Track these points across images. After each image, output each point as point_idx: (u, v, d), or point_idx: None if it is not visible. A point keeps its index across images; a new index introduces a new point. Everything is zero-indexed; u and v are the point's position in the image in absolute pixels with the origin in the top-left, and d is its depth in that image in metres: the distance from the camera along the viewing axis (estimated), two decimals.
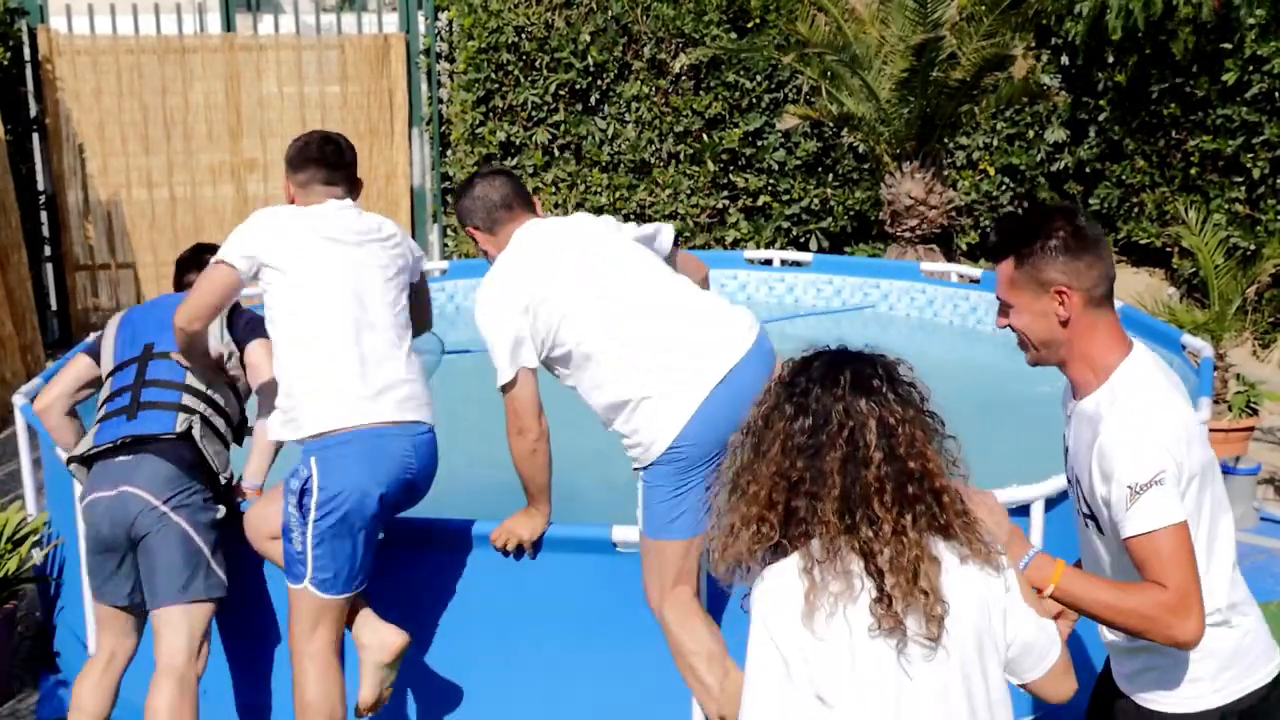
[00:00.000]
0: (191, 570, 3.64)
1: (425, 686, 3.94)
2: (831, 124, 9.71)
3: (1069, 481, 2.65)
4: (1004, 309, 2.57)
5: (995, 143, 10.40)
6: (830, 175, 10.45)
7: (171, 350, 3.86)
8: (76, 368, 4.15)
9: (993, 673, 2.15)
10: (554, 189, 10.07)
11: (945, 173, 9.57)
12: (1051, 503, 3.94)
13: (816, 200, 10.33)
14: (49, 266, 9.93)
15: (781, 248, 10.16)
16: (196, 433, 3.77)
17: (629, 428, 3.40)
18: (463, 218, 3.74)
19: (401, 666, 3.63)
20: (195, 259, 4.15)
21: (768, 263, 8.19)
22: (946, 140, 9.49)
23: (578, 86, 9.99)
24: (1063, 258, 2.46)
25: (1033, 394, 6.05)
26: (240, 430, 4.10)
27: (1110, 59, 9.72)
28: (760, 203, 10.30)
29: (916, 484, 2.12)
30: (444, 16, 10.48)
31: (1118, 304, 5.72)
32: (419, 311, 3.89)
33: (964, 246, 10.54)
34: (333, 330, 3.51)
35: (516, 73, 9.91)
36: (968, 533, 2.15)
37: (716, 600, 3.60)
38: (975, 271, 7.60)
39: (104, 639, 3.79)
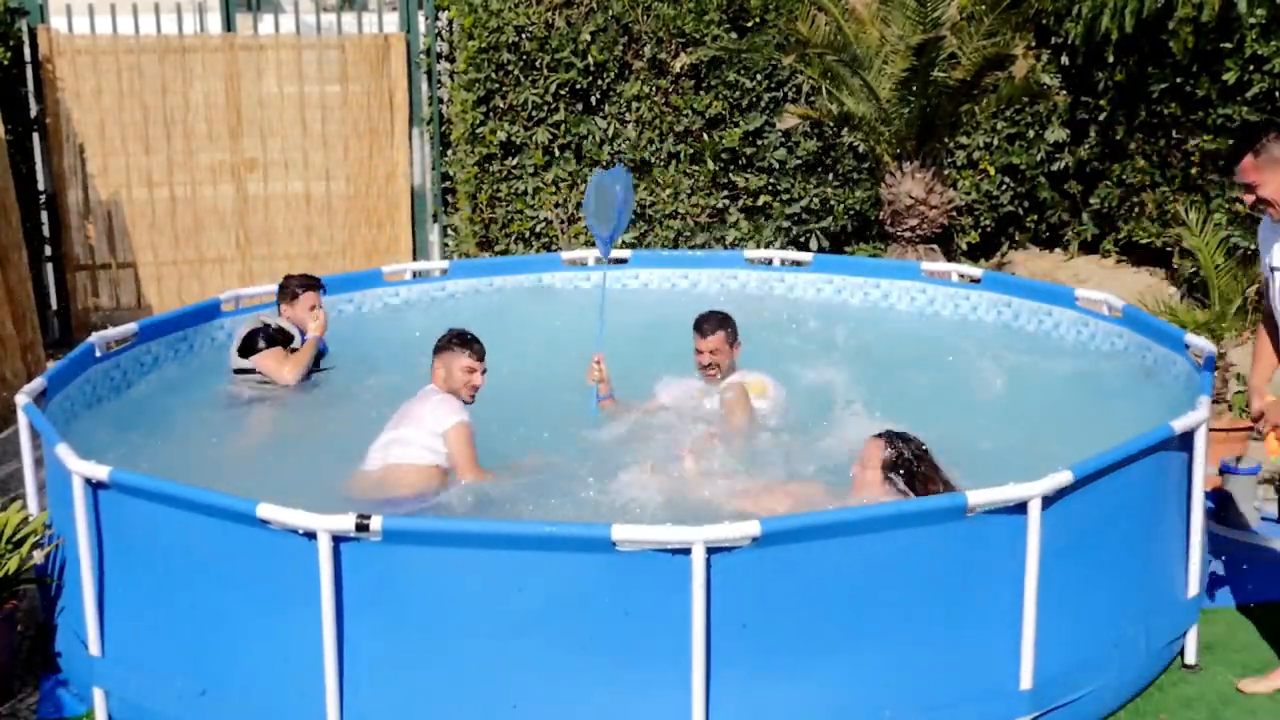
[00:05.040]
0: None
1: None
2: (831, 124, 9.71)
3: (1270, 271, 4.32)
4: (1249, 189, 4.19)
5: (995, 142, 10.40)
6: (830, 175, 10.45)
7: None
8: None
9: None
10: (554, 189, 10.07)
11: (945, 172, 9.57)
12: (1048, 501, 3.96)
13: (817, 200, 10.33)
14: (49, 266, 9.95)
15: (781, 247, 10.16)
16: None
17: None
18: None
19: (405, 672, 3.61)
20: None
21: (768, 262, 8.16)
22: (947, 140, 9.49)
23: (578, 86, 9.99)
24: None
25: (1032, 392, 6.07)
26: None
27: (1110, 59, 9.72)
28: (760, 202, 10.30)
29: None
30: (444, 16, 10.49)
31: (1120, 303, 5.93)
32: None
33: (964, 246, 10.54)
34: None
35: (517, 72, 9.91)
36: None
37: None
38: (976, 271, 7.56)
39: None
